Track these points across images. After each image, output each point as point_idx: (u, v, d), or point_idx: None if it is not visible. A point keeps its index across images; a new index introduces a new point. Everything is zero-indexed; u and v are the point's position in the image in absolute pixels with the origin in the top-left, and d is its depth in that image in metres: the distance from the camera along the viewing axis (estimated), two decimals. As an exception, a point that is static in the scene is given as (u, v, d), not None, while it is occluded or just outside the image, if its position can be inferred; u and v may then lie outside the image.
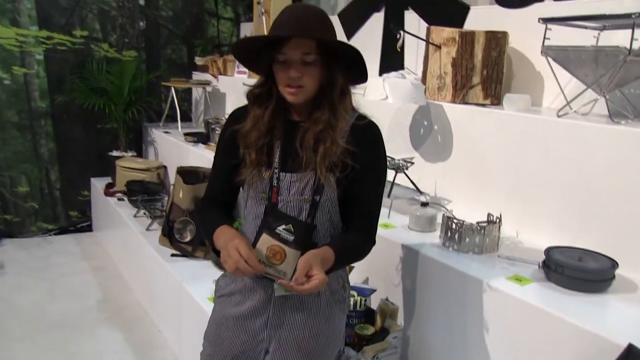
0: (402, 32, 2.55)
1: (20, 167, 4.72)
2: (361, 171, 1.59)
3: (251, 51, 1.59)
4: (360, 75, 1.61)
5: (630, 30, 1.99)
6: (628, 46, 1.97)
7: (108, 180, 4.71)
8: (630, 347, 1.42)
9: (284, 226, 1.60)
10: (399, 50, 2.57)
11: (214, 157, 1.76)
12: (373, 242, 1.68)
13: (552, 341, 1.64)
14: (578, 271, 1.80)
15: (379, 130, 1.66)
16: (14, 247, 4.60)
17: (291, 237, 1.59)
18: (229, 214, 1.73)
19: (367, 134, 1.62)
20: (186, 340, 2.93)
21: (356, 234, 1.65)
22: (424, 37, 2.78)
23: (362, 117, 1.64)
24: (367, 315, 2.16)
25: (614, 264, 1.84)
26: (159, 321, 3.38)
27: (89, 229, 5.03)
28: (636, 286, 1.84)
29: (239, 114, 1.70)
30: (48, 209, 4.89)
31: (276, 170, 1.61)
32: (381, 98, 2.41)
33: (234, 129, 1.65)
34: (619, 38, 2.15)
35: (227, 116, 4.24)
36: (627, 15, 1.95)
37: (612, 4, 2.29)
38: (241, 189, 1.71)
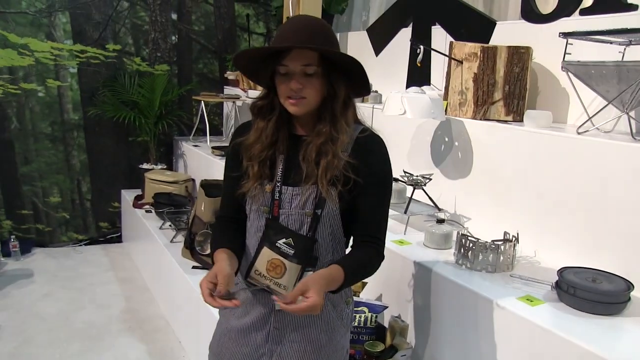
0: (422, 47, 2.52)
1: (52, 178, 4.84)
2: (366, 185, 1.56)
3: (253, 62, 1.58)
4: (363, 87, 1.59)
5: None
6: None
7: (138, 192, 4.79)
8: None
9: (284, 240, 1.59)
10: (419, 64, 2.54)
11: (224, 173, 1.76)
12: (382, 257, 1.64)
13: (562, 365, 1.59)
14: (591, 293, 1.73)
15: (383, 143, 1.63)
16: (43, 256, 4.70)
17: (291, 251, 1.58)
18: (241, 229, 1.70)
19: (371, 147, 1.60)
20: (204, 353, 2.92)
21: (365, 250, 1.61)
22: (441, 51, 2.75)
23: (366, 130, 1.62)
24: (377, 332, 2.12)
25: (630, 286, 1.77)
26: (180, 333, 3.40)
27: (118, 240, 5.11)
28: (656, 309, 1.77)
29: (243, 128, 1.70)
30: (79, 220, 5.00)
31: (278, 184, 1.60)
32: (399, 113, 2.38)
33: (237, 142, 1.65)
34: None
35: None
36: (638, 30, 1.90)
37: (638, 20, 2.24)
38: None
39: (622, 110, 2.12)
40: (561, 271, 1.86)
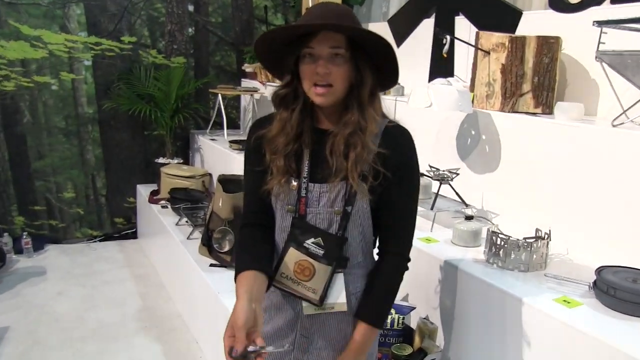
0: (448, 37, 2.43)
1: (66, 173, 4.80)
2: (395, 179, 1.48)
3: (275, 47, 1.47)
4: (390, 76, 1.50)
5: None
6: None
7: (154, 187, 4.73)
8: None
9: (312, 240, 1.51)
10: (445, 55, 2.45)
11: (244, 172, 1.65)
12: (408, 260, 1.56)
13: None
14: (633, 294, 1.64)
15: (412, 136, 1.55)
16: (57, 253, 4.66)
17: (321, 252, 1.50)
18: (269, 232, 1.60)
19: (401, 139, 1.52)
20: (222, 354, 2.87)
21: (388, 266, 1.55)
22: (473, 43, 2.66)
23: (394, 122, 1.54)
24: (405, 335, 2.04)
25: (674, 287, 1.68)
26: (197, 333, 3.34)
27: (133, 236, 5.06)
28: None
29: (262, 121, 1.60)
30: (93, 215, 4.96)
31: (305, 180, 1.52)
32: (426, 106, 2.30)
33: (258, 134, 1.55)
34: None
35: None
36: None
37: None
38: None
39: (659, 101, 2.02)
40: (599, 270, 1.77)
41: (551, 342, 1.66)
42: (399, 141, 1.51)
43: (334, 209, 1.50)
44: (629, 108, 2.08)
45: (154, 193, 4.55)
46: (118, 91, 4.71)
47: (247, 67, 4.93)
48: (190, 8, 4.95)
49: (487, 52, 2.49)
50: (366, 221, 1.53)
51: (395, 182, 1.48)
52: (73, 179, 4.82)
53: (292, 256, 1.52)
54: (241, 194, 3.19)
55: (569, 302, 1.71)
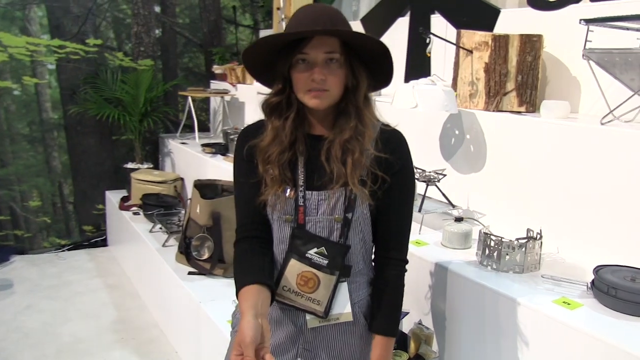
0: (432, 36, 2.40)
1: (31, 181, 4.62)
2: (393, 183, 1.45)
3: (264, 56, 1.43)
4: (383, 78, 1.48)
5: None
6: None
7: (123, 193, 4.62)
8: None
9: (315, 249, 1.46)
10: (429, 54, 2.42)
11: (235, 183, 1.58)
12: (406, 262, 1.55)
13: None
14: (632, 293, 1.63)
15: (406, 139, 1.52)
16: (24, 264, 4.48)
17: (324, 261, 1.46)
18: (266, 237, 1.54)
19: (396, 143, 1.49)
20: (204, 363, 2.79)
21: (390, 278, 1.52)
22: (450, 41, 2.64)
23: (387, 126, 1.51)
24: (399, 341, 2.00)
25: (672, 286, 1.67)
26: (176, 343, 3.25)
27: (103, 243, 4.92)
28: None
29: (251, 130, 1.54)
30: (61, 224, 4.79)
31: (301, 189, 1.47)
32: (411, 106, 2.26)
33: (250, 144, 1.49)
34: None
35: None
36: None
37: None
38: None
39: (646, 99, 2.03)
40: (597, 270, 1.76)
41: (552, 344, 1.64)
42: (395, 144, 1.48)
43: (334, 217, 1.46)
44: (618, 106, 2.08)
45: (125, 199, 4.43)
46: (85, 95, 4.57)
47: (217, 69, 4.86)
48: (157, 9, 4.84)
49: (470, 51, 2.47)
50: (366, 227, 1.50)
51: (393, 186, 1.46)
52: (39, 187, 4.65)
53: (294, 268, 1.47)
54: (219, 200, 3.13)
55: (569, 304, 1.69)
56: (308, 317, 1.47)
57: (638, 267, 1.79)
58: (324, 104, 1.40)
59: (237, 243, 1.54)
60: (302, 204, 1.47)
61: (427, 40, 2.46)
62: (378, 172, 1.42)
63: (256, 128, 1.53)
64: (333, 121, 1.45)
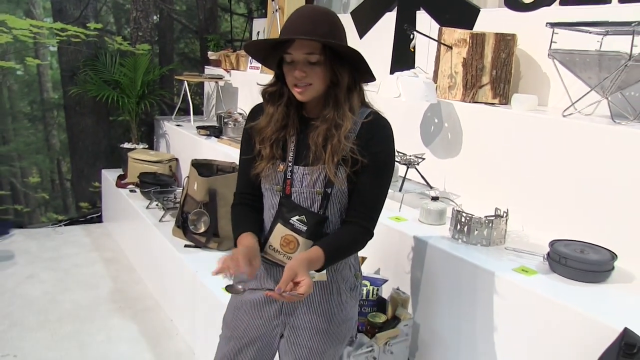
0: (415, 32, 2.63)
1: (31, 158, 4.80)
2: (368, 165, 1.65)
3: (262, 51, 1.67)
4: (366, 75, 1.67)
5: (630, 36, 2.10)
6: (629, 51, 2.07)
7: (119, 172, 4.80)
8: (626, 331, 1.53)
9: (297, 217, 1.68)
10: (412, 49, 2.65)
11: (239, 154, 1.85)
12: (371, 235, 1.71)
13: (556, 327, 1.75)
14: (581, 263, 1.89)
15: (389, 125, 1.70)
16: (23, 238, 4.67)
17: (304, 228, 1.67)
18: (258, 206, 1.80)
19: (375, 131, 1.67)
20: (199, 330, 3.02)
21: (351, 229, 1.69)
22: (435, 38, 2.87)
23: (371, 114, 1.69)
24: (379, 305, 2.25)
25: (614, 256, 1.94)
26: (171, 311, 3.47)
27: (98, 220, 5.12)
28: (633, 276, 1.95)
29: (256, 111, 1.79)
30: (58, 200, 4.98)
31: (290, 164, 1.70)
32: (394, 96, 2.50)
33: (249, 125, 1.76)
34: (620, 43, 2.23)
35: (239, 110, 4.29)
36: (628, 23, 2.05)
37: (612, 10, 2.44)
38: None
39: (602, 95, 2.28)
40: (552, 243, 2.01)
41: (512, 306, 1.90)
42: (375, 130, 1.67)
43: (315, 190, 1.68)
44: (578, 100, 2.33)
45: (121, 177, 4.62)
46: (84, 77, 4.73)
47: (212, 55, 5.04)
48: (156, -4, 5.01)
49: (450, 47, 2.71)
50: (344, 200, 1.70)
51: (370, 165, 1.65)
52: (38, 163, 4.83)
53: (279, 231, 1.70)
54: (215, 178, 3.36)
55: (526, 271, 1.94)
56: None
57: (588, 241, 2.05)
58: (307, 97, 1.62)
59: (235, 206, 1.82)
60: (289, 177, 1.70)
61: (411, 37, 2.68)
62: (358, 157, 1.63)
63: (258, 110, 1.78)
64: (321, 108, 1.68)
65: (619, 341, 1.51)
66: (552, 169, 2.29)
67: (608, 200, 2.10)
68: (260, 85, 1.74)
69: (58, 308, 3.53)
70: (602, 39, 2.39)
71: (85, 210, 5.09)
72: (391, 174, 1.75)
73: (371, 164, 1.66)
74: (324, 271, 1.62)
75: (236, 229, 1.73)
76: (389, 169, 1.73)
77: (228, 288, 1.65)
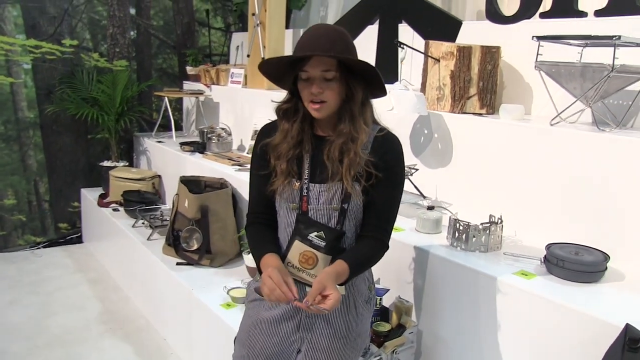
0: (404, 46, 2.71)
1: (6, 180, 4.68)
2: (382, 179, 1.72)
3: (277, 69, 1.72)
4: (379, 90, 1.75)
5: (607, 48, 2.22)
6: (610, 62, 2.19)
7: (99, 191, 4.74)
8: (628, 326, 1.60)
9: (315, 233, 1.73)
10: (401, 63, 2.73)
11: (250, 173, 1.88)
12: (386, 248, 1.79)
13: (558, 327, 1.83)
14: (577, 264, 1.98)
15: (399, 141, 1.79)
16: (0, 262, 4.54)
17: (323, 243, 1.72)
18: (273, 224, 1.84)
19: (388, 145, 1.75)
20: (197, 348, 3.01)
21: (369, 243, 1.75)
22: (420, 50, 2.95)
23: (383, 130, 1.77)
24: (382, 314, 2.30)
25: (606, 257, 2.03)
26: (164, 330, 3.44)
27: (78, 240, 5.03)
28: (623, 275, 2.05)
29: (267, 129, 1.84)
30: (36, 222, 4.87)
31: (306, 181, 1.74)
32: (388, 109, 2.56)
33: (264, 142, 1.79)
34: (597, 54, 2.36)
35: (221, 125, 4.32)
36: (609, 37, 2.17)
37: (588, 23, 2.57)
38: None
39: (586, 104, 2.38)
40: (548, 247, 2.09)
41: (514, 308, 1.97)
42: (387, 147, 1.75)
43: (332, 206, 1.74)
44: (564, 110, 2.43)
45: (103, 196, 4.57)
46: (61, 95, 4.67)
47: (191, 70, 5.05)
48: (132, 11, 4.98)
49: (438, 60, 2.79)
50: (360, 215, 1.77)
51: (383, 181, 1.72)
52: (14, 185, 4.73)
53: (297, 248, 1.74)
54: (207, 195, 3.37)
55: (526, 275, 2.02)
56: (308, 289, 1.68)
57: (580, 244, 2.14)
58: (322, 114, 1.68)
59: (250, 226, 1.86)
60: (305, 194, 1.75)
61: (400, 51, 2.76)
62: (372, 171, 1.70)
63: (270, 128, 1.82)
64: (335, 125, 1.73)
65: (623, 337, 1.58)
66: (541, 176, 2.38)
67: (595, 204, 2.19)
68: (275, 102, 1.78)
69: (45, 333, 3.44)
70: (582, 50, 2.50)
71: (65, 230, 5.00)
72: (402, 188, 1.81)
73: (385, 178, 1.72)
74: (343, 286, 1.66)
75: (257, 250, 1.76)
76: (401, 183, 1.80)
77: (256, 289, 1.76)
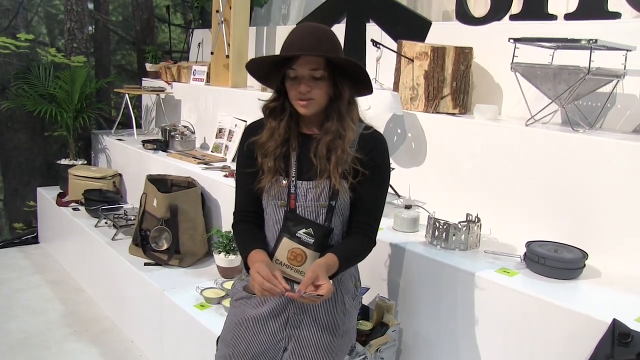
0: (381, 46, 2.73)
1: (-41, 179, 4.50)
2: (368, 176, 1.73)
3: (264, 68, 1.72)
4: (365, 88, 1.75)
5: (579, 50, 2.31)
6: (582, 64, 2.27)
7: (57, 189, 4.59)
8: (615, 322, 1.65)
9: (304, 230, 1.73)
10: (378, 62, 2.75)
11: (236, 171, 1.87)
12: (374, 244, 1.81)
13: (544, 323, 1.87)
14: (558, 261, 2.03)
15: (384, 139, 1.82)
16: (-48, 265, 4.35)
17: (311, 240, 1.72)
18: (259, 223, 1.83)
19: (374, 143, 1.77)
20: (168, 349, 2.95)
21: (358, 238, 1.78)
22: (394, 50, 2.97)
23: (369, 128, 1.79)
24: (363, 313, 2.30)
25: (585, 255, 2.09)
26: (131, 332, 3.36)
27: (34, 240, 4.86)
28: (600, 272, 2.11)
29: (254, 128, 1.82)
30: (-10, 222, 4.70)
31: (293, 179, 1.74)
32: (365, 109, 2.56)
33: (251, 140, 1.78)
34: (567, 57, 2.44)
35: (183, 123, 4.28)
36: (578, 40, 2.25)
37: (558, 26, 2.65)
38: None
39: (559, 105, 2.45)
40: (528, 245, 2.15)
41: (497, 305, 2.01)
42: (373, 145, 1.77)
43: (320, 203, 1.74)
44: (540, 111, 2.49)
45: (62, 195, 4.42)
46: (17, 91, 4.49)
47: (151, 67, 4.95)
48: (90, 6, 4.84)
49: (411, 60, 2.82)
50: (347, 212, 1.78)
51: (369, 178, 1.74)
52: (-33, 184, 4.53)
53: (285, 245, 1.74)
54: (176, 194, 3.30)
55: (508, 272, 2.06)
56: (296, 286, 1.68)
57: (558, 241, 2.20)
58: (310, 111, 1.68)
59: (236, 224, 1.85)
60: (293, 191, 1.75)
61: (376, 51, 2.77)
62: (359, 168, 1.71)
63: (256, 127, 1.80)
64: (321, 123, 1.73)
65: (611, 332, 1.63)
66: (516, 175, 2.43)
67: (570, 202, 2.26)
68: (262, 100, 1.77)
69: (7, 338, 3.31)
70: (554, 52, 2.57)
71: (20, 231, 4.82)
72: (388, 185, 1.84)
73: (372, 175, 1.74)
74: (330, 280, 1.66)
75: (244, 248, 1.75)
76: (387, 180, 1.83)
77: (245, 288, 1.75)
